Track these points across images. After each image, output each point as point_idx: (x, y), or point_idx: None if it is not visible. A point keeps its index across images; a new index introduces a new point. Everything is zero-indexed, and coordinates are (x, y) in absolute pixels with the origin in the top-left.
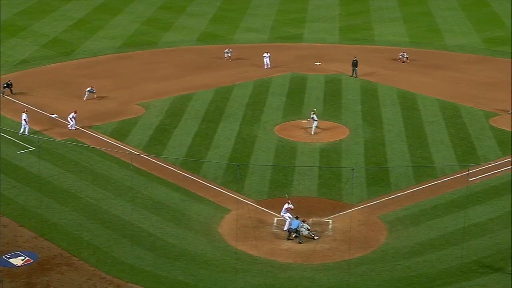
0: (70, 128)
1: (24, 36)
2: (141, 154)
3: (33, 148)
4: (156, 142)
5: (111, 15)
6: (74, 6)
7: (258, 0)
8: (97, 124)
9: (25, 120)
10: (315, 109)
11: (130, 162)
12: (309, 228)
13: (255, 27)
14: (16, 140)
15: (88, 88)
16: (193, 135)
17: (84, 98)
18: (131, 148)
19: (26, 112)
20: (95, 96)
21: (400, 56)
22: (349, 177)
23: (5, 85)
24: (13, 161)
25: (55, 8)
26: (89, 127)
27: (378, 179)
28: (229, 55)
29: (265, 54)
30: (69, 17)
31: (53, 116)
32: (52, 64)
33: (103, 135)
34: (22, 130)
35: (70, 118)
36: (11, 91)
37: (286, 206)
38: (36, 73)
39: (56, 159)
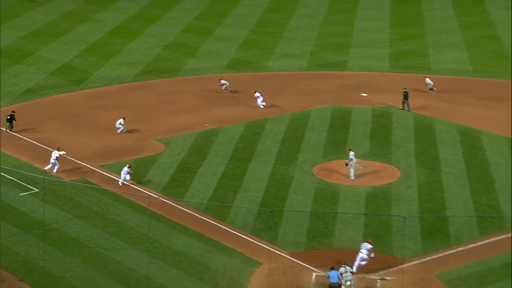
0: (49, 170)
1: (30, 62)
2: (159, 197)
3: (37, 190)
4: (177, 184)
5: (128, 38)
6: (87, 29)
7: (296, 22)
8: (110, 162)
9: (56, 158)
10: (352, 150)
11: (147, 207)
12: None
13: (292, 52)
14: (17, 181)
15: (120, 121)
16: (219, 176)
17: (118, 131)
18: (149, 190)
19: (59, 150)
20: (124, 129)
21: (428, 84)
22: (400, 227)
23: (8, 117)
24: (14, 205)
25: (66, 31)
26: (101, 166)
27: (435, 230)
28: (227, 87)
29: (257, 94)
30: (81, 41)
31: (60, 153)
32: (61, 94)
33: (116, 175)
34: (50, 167)
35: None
36: (11, 125)
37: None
38: (43, 104)
39: (62, 202)
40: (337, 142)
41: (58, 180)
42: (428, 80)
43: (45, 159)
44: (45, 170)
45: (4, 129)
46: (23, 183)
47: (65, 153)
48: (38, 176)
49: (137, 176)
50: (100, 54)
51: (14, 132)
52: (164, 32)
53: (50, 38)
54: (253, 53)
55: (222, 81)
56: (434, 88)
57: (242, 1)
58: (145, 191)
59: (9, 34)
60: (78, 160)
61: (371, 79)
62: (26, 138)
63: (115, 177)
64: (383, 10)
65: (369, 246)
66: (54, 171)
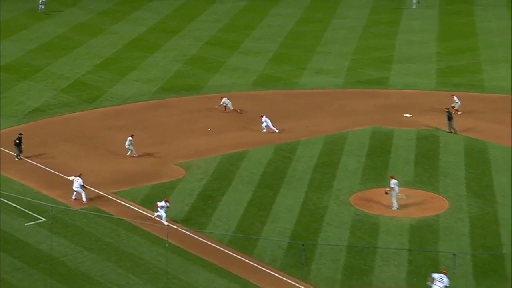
0: (77, 199)
1: (39, 78)
2: (179, 228)
3: (44, 219)
4: (199, 213)
5: (146, 52)
6: (101, 42)
7: (332, 34)
8: (124, 188)
9: (82, 185)
10: (394, 177)
11: (166, 239)
12: None
13: (327, 68)
14: (23, 209)
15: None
16: (245, 205)
17: (128, 154)
18: (167, 220)
19: (81, 176)
20: (134, 154)
21: (455, 104)
22: (449, 265)
23: (17, 141)
24: (19, 236)
25: (78, 44)
26: (115, 193)
27: (490, 270)
28: (229, 105)
29: (264, 118)
30: (94, 55)
31: (70, 178)
32: (72, 113)
33: (131, 203)
34: (76, 196)
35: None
36: (20, 149)
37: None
38: (52, 124)
39: (72, 233)
40: (377, 168)
41: (68, 208)
42: (455, 98)
43: (54, 185)
44: (73, 199)
45: (14, 156)
46: (28, 212)
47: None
48: (46, 203)
49: (155, 204)
50: (115, 70)
51: (23, 157)
52: (185, 45)
53: (61, 51)
54: (283, 69)
55: (224, 100)
56: (458, 111)
57: (272, 11)
58: (163, 221)
59: (16, 47)
60: (89, 186)
61: (415, 98)
62: (33, 162)
63: (130, 205)
64: (429, 21)
65: (445, 279)
66: (84, 200)
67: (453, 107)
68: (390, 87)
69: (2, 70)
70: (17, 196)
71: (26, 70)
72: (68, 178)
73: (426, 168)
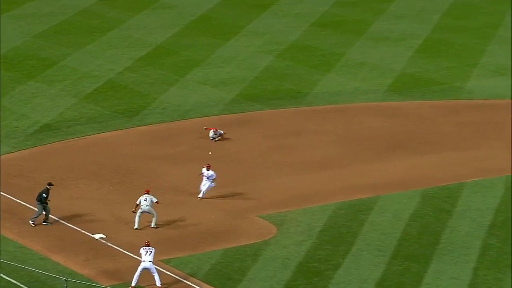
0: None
1: (51, 78)
2: None
3: None
4: None
5: (217, 38)
6: (147, 21)
7: None
8: (179, 255)
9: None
10: None
11: None
12: None
13: (503, 63)
14: (21, 286)
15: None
16: (373, 285)
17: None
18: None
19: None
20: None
21: None
22: None
23: (44, 195)
24: None
25: (112, 24)
26: (164, 261)
27: None
28: (215, 135)
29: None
30: (137, 41)
31: (96, 236)
32: (101, 133)
33: (190, 278)
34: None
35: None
36: (45, 207)
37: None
38: (69, 150)
39: None
40: None
41: (92, 284)
42: None
43: (70, 247)
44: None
45: (32, 221)
46: None
47: (103, 236)
48: (57, 276)
49: (226, 280)
50: (169, 65)
51: (47, 223)
52: (280, 27)
53: (85, 36)
54: (438, 66)
55: (214, 132)
56: None
57: None
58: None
59: (17, 28)
60: (124, 249)
61: None
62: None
63: (188, 282)
64: None
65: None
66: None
67: None
68: None
69: None
70: (14, 264)
71: (31, 65)
72: (93, 236)
73: None
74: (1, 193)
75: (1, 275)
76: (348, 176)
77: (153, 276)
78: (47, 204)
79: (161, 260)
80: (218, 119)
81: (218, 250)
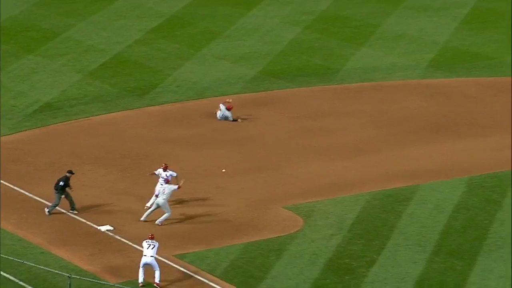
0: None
1: (53, 52)
2: None
3: None
4: None
5: (238, 7)
6: None
7: None
8: (195, 249)
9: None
10: None
11: None
12: None
13: None
14: (20, 283)
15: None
16: (412, 284)
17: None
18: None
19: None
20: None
21: None
22: None
23: (62, 183)
24: None
25: None
26: (178, 257)
27: None
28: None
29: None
30: (149, 10)
31: (103, 229)
32: (108, 114)
33: (207, 275)
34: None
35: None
36: (70, 196)
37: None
38: (73, 131)
39: None
40: None
41: (98, 282)
42: None
43: (74, 241)
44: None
45: (47, 210)
46: (29, 287)
47: (110, 228)
48: (60, 272)
49: (246, 277)
50: (184, 38)
51: (74, 212)
52: None
53: (90, 5)
54: (486, 38)
55: (221, 106)
56: None
57: None
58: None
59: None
60: (134, 243)
61: None
62: (40, 199)
63: (203, 279)
64: None
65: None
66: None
67: None
68: None
69: None
70: (11, 258)
71: (31, 37)
72: (100, 228)
73: None
74: None
75: (3, 273)
76: (384, 163)
77: (154, 271)
78: (68, 192)
79: (175, 255)
80: (238, 98)
81: (238, 244)
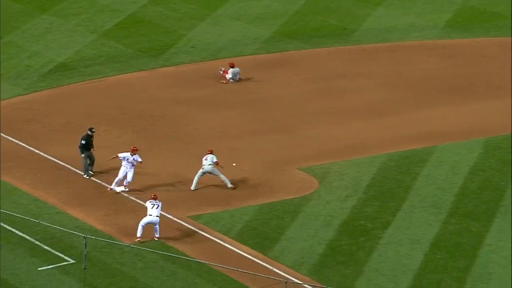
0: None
1: (66, 12)
2: (304, 283)
3: (73, 261)
4: (342, 259)
5: None
6: None
7: None
8: (210, 211)
9: None
10: None
11: None
12: None
13: None
14: (36, 242)
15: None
16: (427, 246)
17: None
18: (284, 268)
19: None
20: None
21: None
22: None
23: (83, 142)
24: None
25: None
26: (193, 218)
27: None
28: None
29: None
30: None
31: (118, 189)
32: (122, 74)
33: (222, 236)
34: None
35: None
36: (91, 158)
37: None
38: (88, 92)
39: (118, 285)
40: None
41: (113, 242)
42: None
43: (89, 201)
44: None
45: (85, 175)
46: (45, 247)
47: (125, 188)
48: (75, 233)
49: (262, 240)
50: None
51: (91, 174)
52: None
53: None
54: None
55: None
56: None
57: None
58: (276, 270)
59: None
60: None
61: None
62: (55, 160)
63: (218, 241)
64: None
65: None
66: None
67: None
68: None
69: None
70: (27, 218)
71: None
72: (110, 188)
73: None
74: (7, 136)
75: (14, 230)
76: (400, 124)
77: (154, 227)
78: (90, 152)
79: (189, 217)
80: (253, 59)
81: (253, 206)
